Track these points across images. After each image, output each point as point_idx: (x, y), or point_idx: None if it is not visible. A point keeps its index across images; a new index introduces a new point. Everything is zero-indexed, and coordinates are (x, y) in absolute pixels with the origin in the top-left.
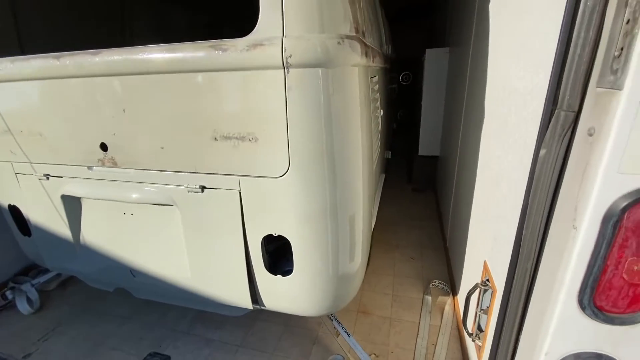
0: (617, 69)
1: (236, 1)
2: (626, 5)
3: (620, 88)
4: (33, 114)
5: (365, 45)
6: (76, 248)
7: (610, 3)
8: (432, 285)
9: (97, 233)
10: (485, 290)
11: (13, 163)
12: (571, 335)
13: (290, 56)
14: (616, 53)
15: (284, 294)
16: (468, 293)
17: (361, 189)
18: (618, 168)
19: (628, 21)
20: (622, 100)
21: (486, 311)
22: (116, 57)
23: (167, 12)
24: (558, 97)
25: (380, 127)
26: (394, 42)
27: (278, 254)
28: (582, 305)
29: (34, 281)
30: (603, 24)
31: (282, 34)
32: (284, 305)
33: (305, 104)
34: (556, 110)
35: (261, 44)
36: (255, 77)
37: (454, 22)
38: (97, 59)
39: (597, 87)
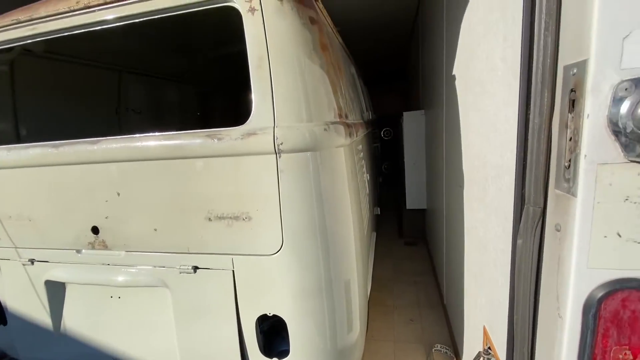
0: (569, 179)
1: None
2: (567, 127)
3: (574, 195)
4: (25, 200)
5: (349, 125)
6: (55, 336)
7: (554, 121)
8: (435, 350)
9: (80, 319)
10: (488, 359)
11: None
12: None
13: (281, 143)
14: (566, 164)
15: None
16: None
17: (354, 258)
18: (587, 263)
19: (570, 139)
20: (578, 205)
21: None
22: (115, 146)
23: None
24: (524, 194)
25: (367, 189)
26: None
27: (273, 333)
28: None
29: None
30: (551, 138)
31: (273, 124)
32: None
33: (296, 184)
34: (525, 205)
35: (255, 133)
36: (249, 162)
37: (426, 88)
38: (95, 148)
39: (555, 189)
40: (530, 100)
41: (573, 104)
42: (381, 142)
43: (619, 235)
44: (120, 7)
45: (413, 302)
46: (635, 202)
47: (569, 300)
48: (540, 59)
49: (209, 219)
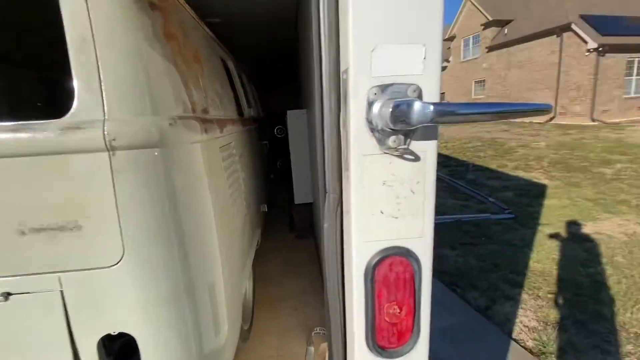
0: (347, 168)
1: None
2: (344, 125)
3: (350, 182)
4: None
5: (208, 121)
6: None
7: (340, 120)
8: (314, 333)
9: None
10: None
11: None
12: None
13: (114, 139)
14: (344, 157)
15: None
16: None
17: (219, 259)
18: (364, 237)
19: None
20: (352, 190)
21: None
22: None
23: None
24: (325, 184)
25: (244, 187)
26: (264, 100)
27: (128, 354)
28: (369, 347)
29: None
30: (340, 134)
31: (103, 117)
32: None
33: (137, 185)
34: (327, 194)
35: (78, 127)
36: (73, 161)
37: (306, 89)
38: None
39: (343, 178)
40: (323, 103)
41: (345, 101)
42: (275, 139)
43: (382, 213)
44: None
45: (299, 291)
46: (390, 186)
47: (354, 270)
48: (325, 66)
49: (22, 232)
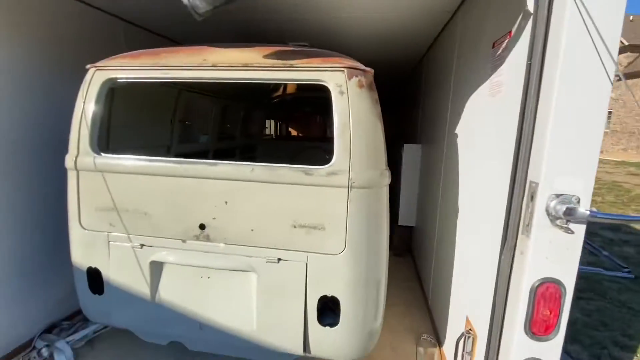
0: (528, 229)
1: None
2: (527, 206)
3: (529, 237)
4: (144, 199)
5: (389, 170)
6: (151, 306)
7: (523, 202)
8: (422, 338)
9: (173, 293)
10: (468, 337)
11: (109, 233)
12: (523, 348)
13: (354, 182)
14: (526, 223)
15: (328, 343)
16: (457, 339)
17: (385, 263)
18: (533, 270)
19: (530, 213)
20: (530, 243)
21: (470, 353)
22: (229, 169)
23: None
24: (507, 232)
25: None
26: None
27: (325, 310)
28: (526, 332)
29: (69, 338)
30: (521, 208)
31: (349, 169)
32: (326, 351)
33: (358, 209)
34: (507, 238)
35: (335, 173)
36: (328, 191)
37: (425, 128)
38: (213, 169)
39: (521, 233)
40: (514, 189)
41: (532, 197)
42: None
43: (546, 259)
44: (241, 71)
45: (405, 302)
46: (555, 244)
47: (523, 287)
48: (519, 174)
49: (294, 227)
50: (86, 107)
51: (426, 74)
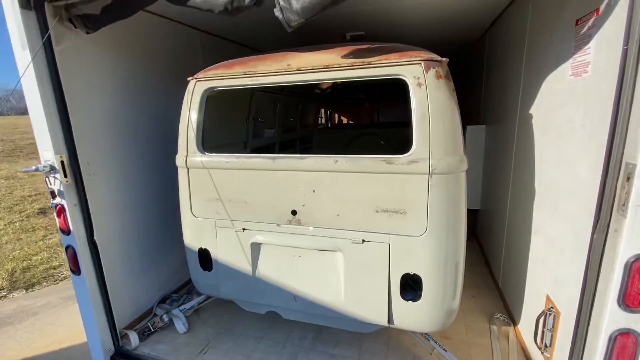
0: (624, 208)
1: None
2: (623, 187)
3: (624, 217)
4: (244, 190)
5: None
6: (252, 280)
7: (619, 181)
8: (495, 317)
9: (270, 269)
10: (550, 315)
11: (216, 220)
12: (615, 320)
13: (434, 169)
14: (622, 203)
15: (409, 316)
16: (537, 317)
17: (463, 245)
18: (629, 247)
19: (626, 192)
20: (626, 221)
21: (551, 330)
22: (316, 161)
23: None
24: (601, 211)
25: None
26: None
27: (407, 287)
28: (619, 304)
29: (181, 307)
30: (617, 187)
31: (429, 157)
32: (408, 324)
33: (439, 194)
34: (601, 216)
35: (416, 161)
36: (409, 178)
37: (490, 108)
38: (302, 162)
39: (616, 212)
40: (608, 170)
41: (628, 178)
42: None
43: (637, 235)
44: (322, 73)
45: (472, 284)
46: None
47: (618, 263)
48: (614, 154)
49: (377, 211)
50: (191, 114)
51: (490, 51)
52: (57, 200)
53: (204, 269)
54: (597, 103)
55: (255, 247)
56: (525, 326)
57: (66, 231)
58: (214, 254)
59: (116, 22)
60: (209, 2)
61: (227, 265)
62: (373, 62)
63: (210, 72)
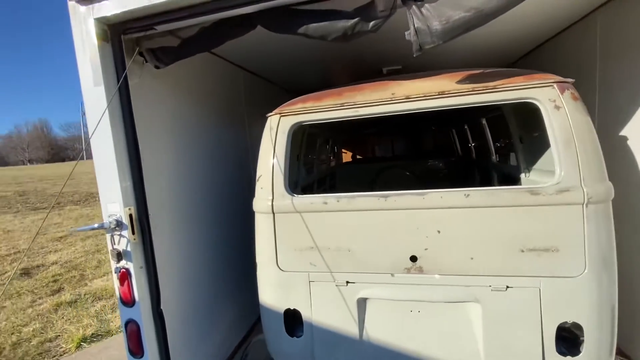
0: None
1: None
2: None
3: None
4: (348, 235)
5: None
6: (359, 345)
7: None
8: None
9: (382, 330)
10: None
11: (310, 273)
12: None
13: (590, 197)
14: None
15: None
16: None
17: (616, 282)
18: None
19: None
20: None
21: None
22: (442, 197)
23: None
24: None
25: None
26: None
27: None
28: None
29: None
30: None
31: (581, 184)
32: None
33: (597, 225)
34: None
35: (566, 190)
36: (560, 210)
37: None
38: (423, 199)
39: None
40: None
41: None
42: None
43: None
44: (436, 100)
45: None
46: None
47: None
48: None
49: (522, 250)
50: (277, 152)
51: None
52: (122, 263)
53: (291, 335)
54: None
55: (362, 304)
56: None
57: (129, 302)
58: (307, 314)
59: (189, 56)
60: (324, 28)
61: (326, 328)
62: (498, 87)
63: (296, 105)
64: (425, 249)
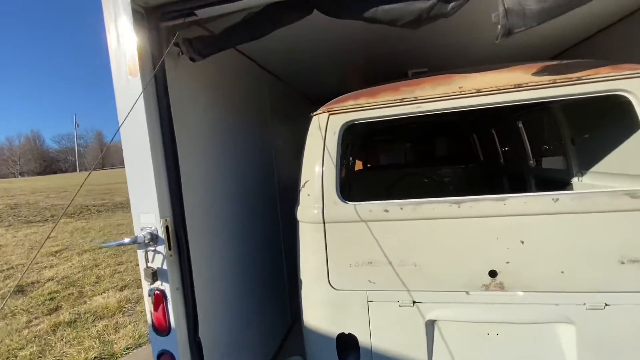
0: None
1: None
2: None
3: None
4: (413, 248)
5: None
6: None
7: None
8: None
9: (451, 356)
10: None
11: (368, 292)
12: None
13: None
14: None
15: None
16: None
17: None
18: None
19: None
20: None
21: None
22: (525, 202)
23: None
24: None
25: None
26: None
27: None
28: None
29: None
30: None
31: None
32: None
33: None
34: None
35: None
36: None
37: None
38: (503, 205)
39: None
40: None
41: None
42: None
43: None
44: (514, 93)
45: None
46: None
47: None
48: None
49: (622, 262)
50: (327, 153)
51: None
52: (157, 284)
53: None
54: None
55: (430, 327)
56: None
57: (164, 330)
58: (364, 340)
59: (228, 49)
60: (396, 11)
61: (388, 356)
62: (583, 77)
63: (347, 102)
64: (507, 263)
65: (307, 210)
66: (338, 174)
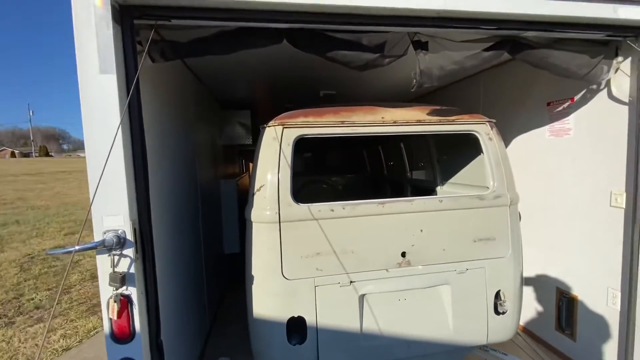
0: None
1: None
2: None
3: None
4: (351, 239)
5: None
6: (362, 340)
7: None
8: None
9: (378, 321)
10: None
11: (315, 278)
12: None
13: (511, 202)
14: None
15: (500, 328)
16: None
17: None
18: None
19: None
20: None
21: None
22: (423, 202)
23: None
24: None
25: None
26: None
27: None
28: None
29: None
30: None
31: (507, 192)
32: (497, 336)
33: (514, 220)
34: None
35: (499, 196)
36: (495, 210)
37: None
38: (411, 204)
39: None
40: (638, 189)
41: None
42: None
43: None
44: (416, 126)
45: None
46: None
47: None
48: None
49: (474, 241)
50: (282, 162)
51: None
52: (123, 289)
53: (293, 344)
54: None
55: (362, 299)
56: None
57: (126, 337)
58: (311, 319)
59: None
60: (350, 57)
61: (332, 330)
62: (456, 120)
63: (297, 118)
64: (412, 245)
65: (261, 212)
66: (291, 180)
